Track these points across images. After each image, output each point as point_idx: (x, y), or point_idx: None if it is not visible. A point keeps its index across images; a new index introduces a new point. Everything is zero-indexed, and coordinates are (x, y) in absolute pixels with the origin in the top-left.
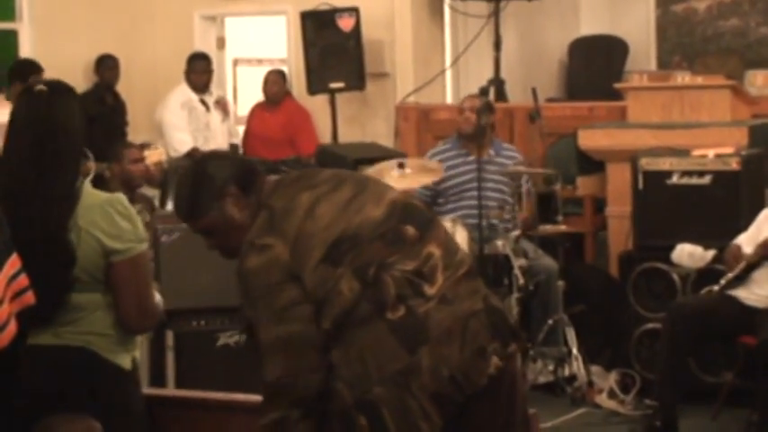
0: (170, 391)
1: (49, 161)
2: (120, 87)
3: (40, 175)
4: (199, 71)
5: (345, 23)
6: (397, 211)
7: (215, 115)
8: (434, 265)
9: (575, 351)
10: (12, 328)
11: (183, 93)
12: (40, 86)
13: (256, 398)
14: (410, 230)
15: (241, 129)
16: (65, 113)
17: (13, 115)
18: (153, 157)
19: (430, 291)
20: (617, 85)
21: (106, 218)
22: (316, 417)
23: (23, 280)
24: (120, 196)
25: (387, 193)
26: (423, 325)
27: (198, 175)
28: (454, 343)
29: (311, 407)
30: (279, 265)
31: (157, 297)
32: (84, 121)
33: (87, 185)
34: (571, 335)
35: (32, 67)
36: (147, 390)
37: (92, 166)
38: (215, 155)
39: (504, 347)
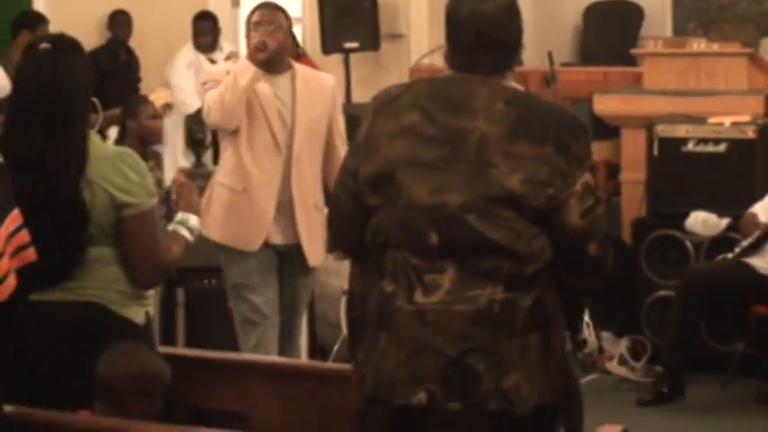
0: (183, 350)
1: (56, 123)
2: (133, 44)
3: (49, 137)
4: (204, 32)
5: None
6: (440, 216)
7: None
8: (438, 284)
9: (586, 317)
10: (11, 281)
11: (189, 53)
12: (45, 45)
13: (268, 359)
14: (433, 238)
15: None
16: (70, 72)
17: (18, 76)
18: (159, 100)
19: (418, 298)
20: (634, 51)
21: (117, 172)
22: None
23: (24, 235)
24: (130, 150)
25: (448, 192)
26: (391, 314)
27: None
28: (399, 353)
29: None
30: (360, 135)
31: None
32: (90, 77)
33: (95, 137)
34: None
35: (39, 18)
36: (158, 348)
37: (99, 117)
38: None
39: (445, 398)
